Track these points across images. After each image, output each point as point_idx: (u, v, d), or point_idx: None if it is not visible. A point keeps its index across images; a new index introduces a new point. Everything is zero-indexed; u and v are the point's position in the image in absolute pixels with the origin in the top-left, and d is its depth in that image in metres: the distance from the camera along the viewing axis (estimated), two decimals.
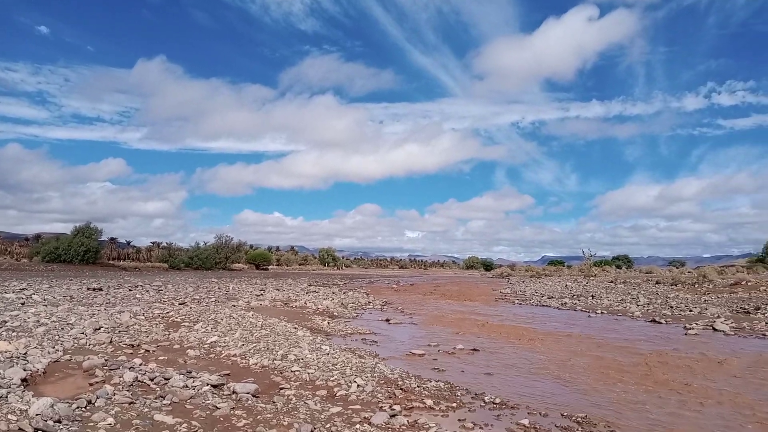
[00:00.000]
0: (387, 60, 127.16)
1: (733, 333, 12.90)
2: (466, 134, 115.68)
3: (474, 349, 10.33)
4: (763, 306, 17.16)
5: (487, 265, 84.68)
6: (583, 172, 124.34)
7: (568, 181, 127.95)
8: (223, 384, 6.28)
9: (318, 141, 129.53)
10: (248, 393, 5.98)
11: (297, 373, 7.39)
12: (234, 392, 6.00)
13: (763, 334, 12.50)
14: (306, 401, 5.99)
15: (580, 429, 5.55)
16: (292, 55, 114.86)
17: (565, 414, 6.05)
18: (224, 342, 9.21)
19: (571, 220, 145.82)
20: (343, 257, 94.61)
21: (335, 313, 15.98)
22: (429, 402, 6.28)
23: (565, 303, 20.77)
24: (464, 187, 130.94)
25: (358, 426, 5.28)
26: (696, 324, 14.13)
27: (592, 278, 36.33)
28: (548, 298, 23.20)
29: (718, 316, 15.45)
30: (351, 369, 7.77)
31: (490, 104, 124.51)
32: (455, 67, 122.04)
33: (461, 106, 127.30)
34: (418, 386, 7.08)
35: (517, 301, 22.23)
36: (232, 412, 5.34)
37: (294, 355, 8.47)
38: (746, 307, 17.26)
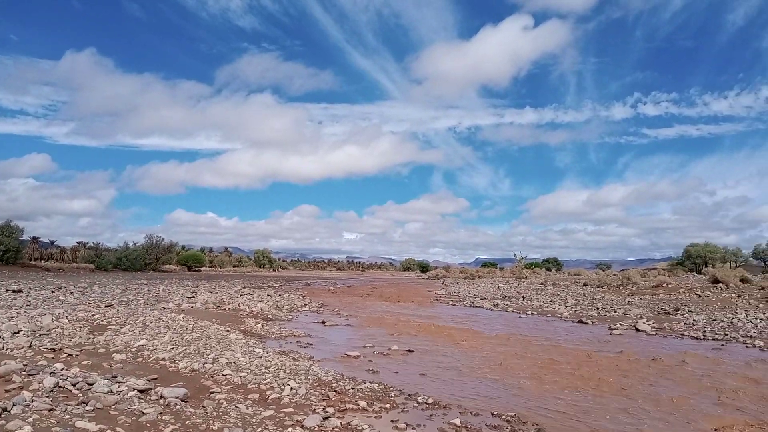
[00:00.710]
0: (327, 60, 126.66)
1: (654, 333, 13.54)
2: (404, 137, 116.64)
3: (409, 350, 10.42)
4: (681, 307, 18.10)
5: (423, 267, 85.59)
6: (516, 177, 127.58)
7: (502, 186, 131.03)
8: (151, 389, 6.07)
9: (255, 140, 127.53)
10: (177, 398, 5.80)
11: (228, 376, 7.25)
12: (162, 397, 5.81)
13: (681, 334, 13.17)
14: (237, 405, 5.88)
15: (509, 427, 5.69)
16: (230, 52, 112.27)
17: (496, 413, 6.19)
18: (153, 345, 8.91)
19: (504, 224, 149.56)
20: (279, 259, 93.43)
21: (270, 316, 15.76)
22: (363, 404, 6.28)
23: (497, 304, 21.26)
24: (402, 190, 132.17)
25: (290, 429, 5.23)
26: (620, 324, 14.76)
27: (523, 280, 37.34)
28: (481, 299, 23.68)
29: (641, 317, 16.19)
30: (284, 372, 7.69)
31: (429, 108, 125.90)
32: (395, 71, 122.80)
33: (400, 110, 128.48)
34: (352, 388, 7.07)
35: (451, 303, 22.58)
36: (159, 417, 5.17)
37: (226, 358, 8.30)
38: (666, 308, 18.15)
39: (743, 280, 24.91)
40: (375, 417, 5.91)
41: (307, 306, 19.62)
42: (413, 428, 5.50)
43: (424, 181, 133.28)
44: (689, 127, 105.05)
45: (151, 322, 11.24)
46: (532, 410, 6.43)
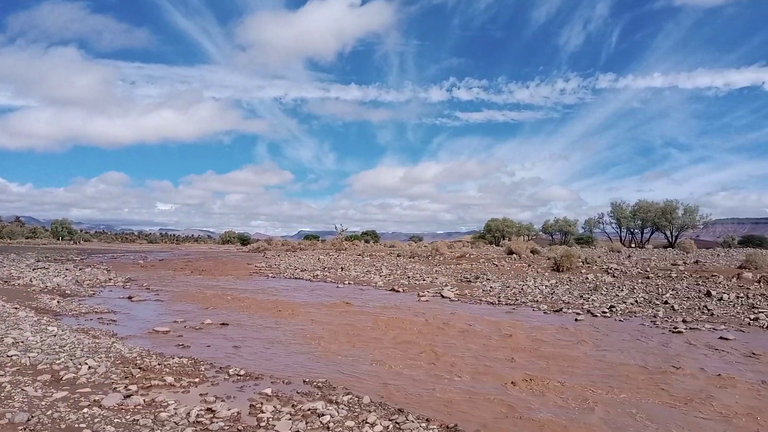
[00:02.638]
0: (143, 17, 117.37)
1: (456, 299, 14.69)
2: (227, 104, 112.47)
3: (223, 324, 10.17)
4: (481, 275, 19.85)
5: (244, 240, 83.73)
6: (340, 152, 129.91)
7: (327, 160, 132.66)
8: None
9: (55, 98, 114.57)
10: None
11: (15, 358, 6.51)
12: None
13: (480, 300, 14.45)
14: (24, 388, 5.32)
15: (320, 393, 5.82)
16: None
17: (308, 380, 6.30)
18: None
19: (327, 197, 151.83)
20: (81, 230, 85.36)
21: (68, 292, 14.40)
22: (170, 379, 6.02)
23: (317, 275, 21.57)
24: (223, 159, 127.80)
25: (86, 410, 4.85)
26: (428, 292, 15.79)
27: (343, 252, 38.23)
28: (302, 270, 23.83)
29: (446, 285, 17.48)
30: (82, 350, 7.10)
31: (254, 77, 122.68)
32: (218, 34, 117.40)
33: (223, 75, 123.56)
34: (159, 364, 6.74)
35: (271, 275, 22.41)
36: None
37: (12, 338, 7.47)
38: (468, 276, 19.78)
39: (533, 252, 27.98)
40: (183, 392, 5.70)
41: (112, 281, 18.22)
42: (223, 401, 5.39)
43: (248, 151, 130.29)
44: (496, 113, 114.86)
45: None
46: (344, 375, 6.64)
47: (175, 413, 4.90)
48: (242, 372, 6.55)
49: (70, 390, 5.43)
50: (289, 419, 4.84)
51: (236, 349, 8.11)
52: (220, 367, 6.79)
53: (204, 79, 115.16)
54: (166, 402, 5.19)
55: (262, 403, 5.31)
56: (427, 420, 4.97)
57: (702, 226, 50.95)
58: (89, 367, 6.24)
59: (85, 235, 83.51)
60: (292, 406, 5.27)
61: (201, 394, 5.62)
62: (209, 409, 5.03)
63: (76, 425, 4.55)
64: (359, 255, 34.01)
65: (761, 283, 15.39)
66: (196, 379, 6.18)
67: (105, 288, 16.20)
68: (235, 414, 4.99)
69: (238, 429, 4.65)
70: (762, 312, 11.68)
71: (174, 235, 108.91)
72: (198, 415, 4.87)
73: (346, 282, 19.06)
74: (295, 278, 21.05)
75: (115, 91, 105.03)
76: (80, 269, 22.25)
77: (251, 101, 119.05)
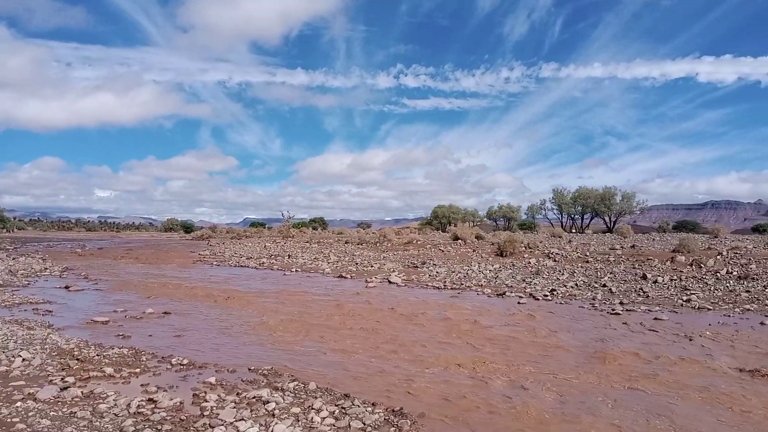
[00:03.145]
0: None
1: (404, 284, 14.83)
2: (168, 88, 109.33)
3: (165, 312, 9.95)
4: (428, 261, 20.07)
5: (188, 228, 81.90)
6: (286, 138, 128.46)
7: (273, 145, 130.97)
8: None
9: None
10: None
11: None
12: None
13: (426, 285, 14.62)
14: None
15: (265, 380, 5.78)
16: None
17: (253, 368, 6.24)
18: None
19: (273, 184, 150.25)
20: (14, 218, 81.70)
21: (0, 282, 13.78)
22: (109, 370, 5.86)
23: (263, 263, 21.34)
24: (165, 144, 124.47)
25: (19, 403, 4.68)
26: (375, 278, 15.87)
27: (290, 239, 37.93)
28: (247, 258, 23.53)
29: (393, 271, 17.60)
30: (15, 342, 6.83)
31: (196, 59, 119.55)
32: (158, 15, 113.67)
33: (164, 57, 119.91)
34: (97, 355, 6.55)
35: (216, 263, 22.05)
36: None
37: None
38: (415, 262, 19.98)
39: (478, 238, 28.48)
40: (123, 383, 5.56)
41: (48, 270, 17.53)
42: (165, 390, 5.28)
43: (190, 136, 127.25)
44: (442, 100, 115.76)
45: None
46: (290, 362, 6.61)
47: (115, 404, 4.78)
48: (185, 361, 6.44)
49: (2, 383, 5.23)
50: (234, 407, 4.80)
51: (179, 338, 7.96)
52: (163, 357, 6.65)
53: (144, 61, 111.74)
54: (105, 393, 5.05)
55: (205, 392, 5.24)
56: (373, 404, 5.01)
57: (639, 212, 52.95)
58: (23, 360, 6.01)
59: (18, 223, 79.96)
60: (237, 394, 5.22)
61: (142, 385, 5.49)
62: (151, 400, 4.93)
63: (9, 419, 4.38)
64: (307, 242, 33.82)
65: (693, 266, 16.14)
66: (137, 370, 6.03)
67: (40, 278, 15.58)
68: (178, 404, 4.91)
69: (180, 419, 4.57)
70: (694, 294, 12.26)
71: (114, 223, 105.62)
72: (139, 405, 4.76)
73: (294, 269, 18.94)
74: (241, 266, 20.77)
75: (49, 73, 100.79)
76: (13, 258, 21.32)
77: (194, 85, 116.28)
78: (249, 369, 6.22)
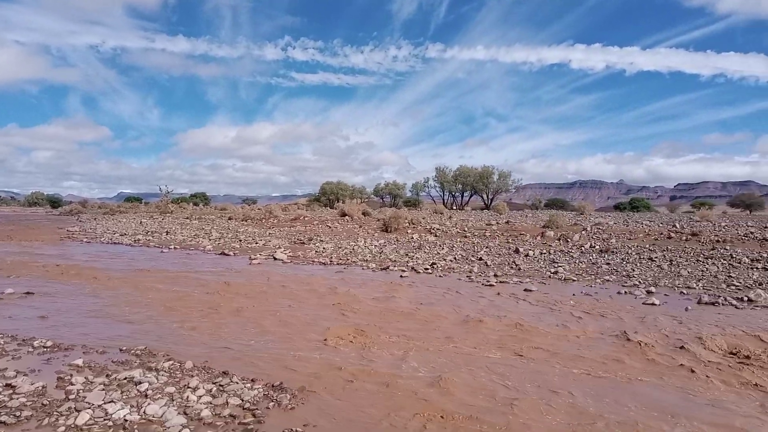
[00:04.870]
0: None
1: (289, 261, 14.72)
2: (33, 50, 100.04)
3: (28, 293, 9.22)
4: (314, 237, 20.06)
5: (55, 202, 75.96)
6: (166, 108, 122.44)
7: (150, 116, 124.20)
8: None
9: None
10: None
11: None
12: None
13: (313, 261, 14.61)
14: None
15: (138, 361, 5.54)
16: None
17: (125, 348, 5.96)
18: None
19: (151, 156, 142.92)
20: None
21: None
22: None
23: (139, 240, 20.30)
24: (29, 112, 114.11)
25: None
26: (260, 254, 15.63)
27: (168, 215, 36.31)
28: (121, 235, 22.25)
29: (279, 247, 17.42)
30: None
31: (66, 20, 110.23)
32: None
33: (29, 16, 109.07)
34: None
35: (86, 240, 20.64)
36: None
37: None
38: (302, 238, 19.89)
39: (365, 214, 28.86)
40: None
41: None
42: (25, 375, 4.92)
43: (58, 103, 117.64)
44: (331, 76, 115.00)
45: None
46: (166, 341, 6.39)
47: None
48: (49, 344, 6.02)
49: None
50: (103, 389, 4.57)
51: (43, 319, 7.41)
52: (23, 340, 6.18)
53: (6, 19, 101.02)
54: None
55: (71, 375, 4.94)
56: (252, 380, 4.97)
57: (514, 190, 56.11)
58: None
59: None
60: (107, 375, 4.97)
61: (0, 370, 5.08)
62: (8, 385, 4.58)
63: None
64: (187, 218, 32.59)
65: (561, 241, 17.37)
66: None
67: None
68: (40, 388, 4.59)
69: (42, 404, 4.29)
70: (561, 266, 13.21)
71: None
72: None
73: (172, 246, 18.19)
74: (114, 243, 19.63)
75: None
76: None
77: (63, 48, 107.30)
78: (121, 350, 5.93)
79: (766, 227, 18.71)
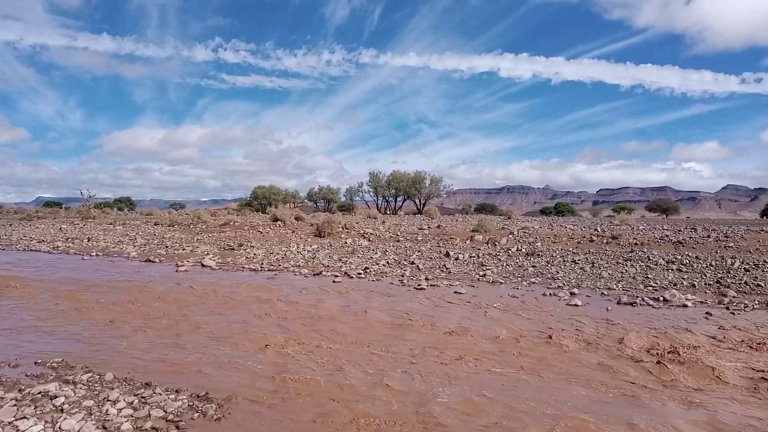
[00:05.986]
0: None
1: (218, 267, 14.37)
2: None
3: None
4: (245, 243, 19.68)
5: None
6: (89, 109, 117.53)
7: (72, 117, 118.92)
8: None
9: None
10: None
11: None
12: None
13: (243, 267, 14.32)
14: None
15: (55, 374, 5.27)
16: None
17: (40, 361, 5.65)
18: None
19: (73, 159, 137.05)
20: None
21: None
22: None
23: (58, 246, 19.33)
24: None
25: None
26: (187, 261, 15.19)
27: (90, 221, 34.78)
28: (39, 242, 21.12)
29: (207, 253, 16.99)
30: None
31: None
32: None
33: None
34: None
35: (0, 247, 19.49)
36: None
37: None
38: (232, 244, 19.46)
39: (297, 219, 28.60)
40: None
41: None
42: None
43: None
44: (264, 78, 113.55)
45: None
46: (85, 353, 6.10)
47: None
48: None
49: None
50: (14, 405, 4.31)
51: None
52: None
53: None
54: None
55: None
56: (176, 391, 4.82)
57: (445, 195, 57.11)
58: None
59: None
60: (19, 390, 4.69)
61: None
62: None
63: None
64: (110, 224, 31.32)
65: (489, 245, 17.77)
66: None
67: None
68: None
69: None
70: (489, 269, 13.52)
71: None
72: None
73: (94, 253, 17.42)
74: (31, 250, 18.62)
75: None
76: None
77: None
78: (36, 362, 5.62)
79: (680, 231, 19.84)
